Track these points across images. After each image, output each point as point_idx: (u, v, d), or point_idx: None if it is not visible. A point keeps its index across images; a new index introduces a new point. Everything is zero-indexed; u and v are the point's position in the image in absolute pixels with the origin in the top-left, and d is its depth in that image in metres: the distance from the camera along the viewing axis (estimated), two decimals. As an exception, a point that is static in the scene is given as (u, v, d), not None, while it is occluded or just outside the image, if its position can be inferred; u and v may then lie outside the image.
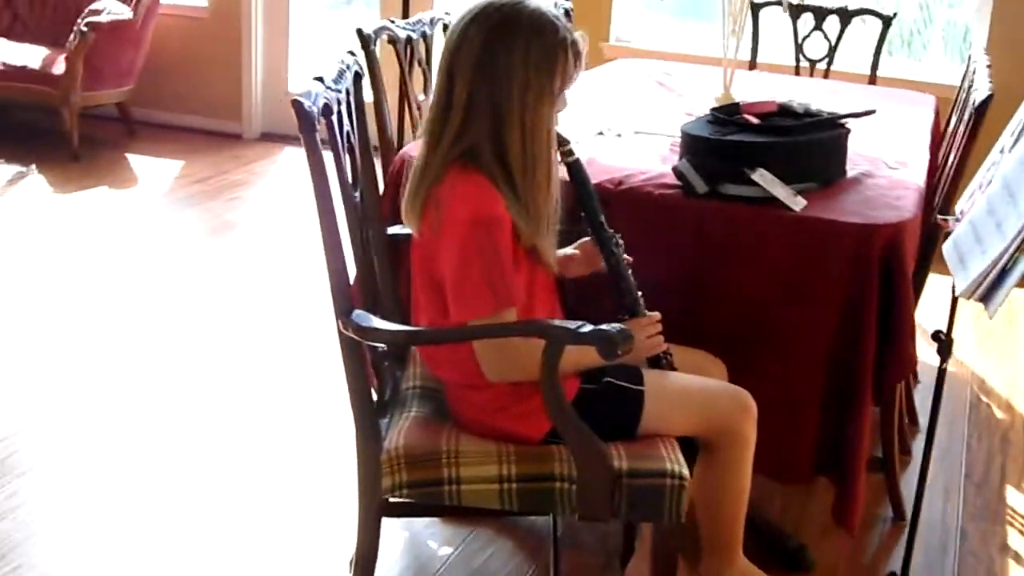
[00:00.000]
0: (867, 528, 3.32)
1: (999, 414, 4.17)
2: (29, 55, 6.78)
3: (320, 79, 2.44)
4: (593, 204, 2.57)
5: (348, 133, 2.55)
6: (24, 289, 4.74)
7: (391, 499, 2.45)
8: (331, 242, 2.34)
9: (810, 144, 3.04)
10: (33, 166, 6.46)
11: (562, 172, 2.54)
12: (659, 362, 2.60)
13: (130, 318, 4.50)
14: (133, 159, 6.73)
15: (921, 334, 4.66)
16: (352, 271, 2.49)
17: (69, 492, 3.25)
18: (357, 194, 2.59)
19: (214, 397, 3.87)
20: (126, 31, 6.74)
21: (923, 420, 3.98)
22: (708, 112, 3.16)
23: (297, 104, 2.24)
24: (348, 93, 2.60)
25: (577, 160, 2.56)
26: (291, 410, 3.79)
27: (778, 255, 2.82)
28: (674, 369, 2.62)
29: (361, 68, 2.75)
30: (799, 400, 2.84)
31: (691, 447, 2.59)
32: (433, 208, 2.35)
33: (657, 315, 2.59)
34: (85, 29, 6.50)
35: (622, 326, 2.22)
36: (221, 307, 4.65)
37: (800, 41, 5.16)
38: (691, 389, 2.58)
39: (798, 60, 5.18)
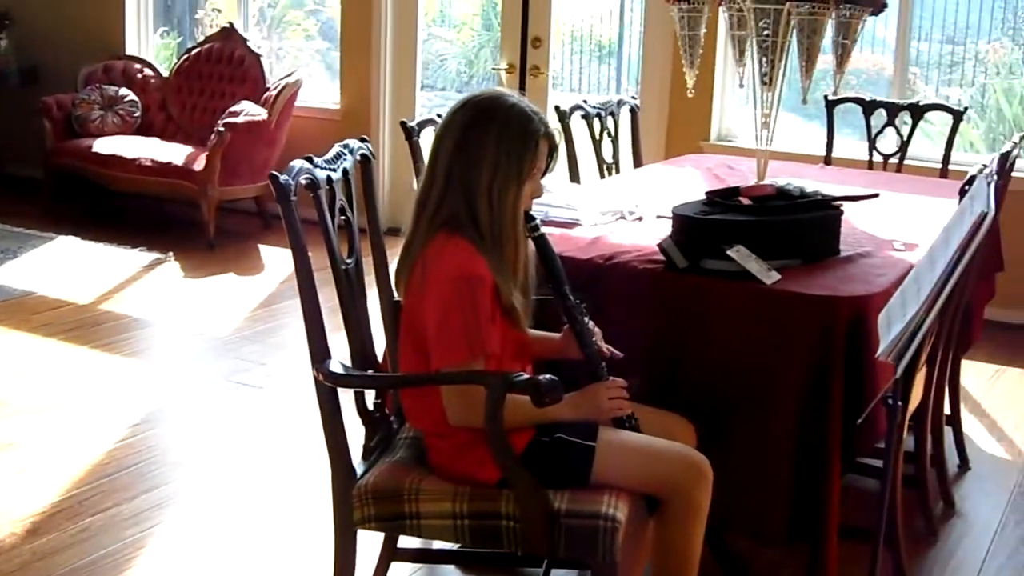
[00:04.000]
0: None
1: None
2: (175, 153, 7.42)
3: (309, 158, 2.80)
4: (558, 275, 2.83)
5: (343, 207, 2.90)
6: (153, 357, 5.27)
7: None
8: (308, 298, 2.69)
9: (793, 224, 3.26)
10: (171, 253, 7.03)
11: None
12: (623, 424, 2.83)
13: (239, 379, 4.97)
14: (263, 249, 7.28)
15: (988, 425, 4.79)
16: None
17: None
18: (351, 262, 2.93)
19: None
20: (261, 131, 7.31)
21: (967, 506, 4.09)
22: (704, 195, 3.42)
23: (273, 177, 2.61)
24: (347, 173, 2.95)
25: (542, 235, 2.83)
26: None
27: (749, 326, 3.04)
28: (638, 431, 2.83)
29: (371, 152, 3.12)
30: (771, 465, 3.01)
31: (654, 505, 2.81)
32: (420, 268, 2.69)
33: (621, 381, 2.81)
34: (222, 129, 7.10)
35: (552, 377, 2.50)
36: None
37: (873, 136, 5.34)
38: (645, 449, 2.78)
39: (871, 155, 5.36)
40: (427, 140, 3.81)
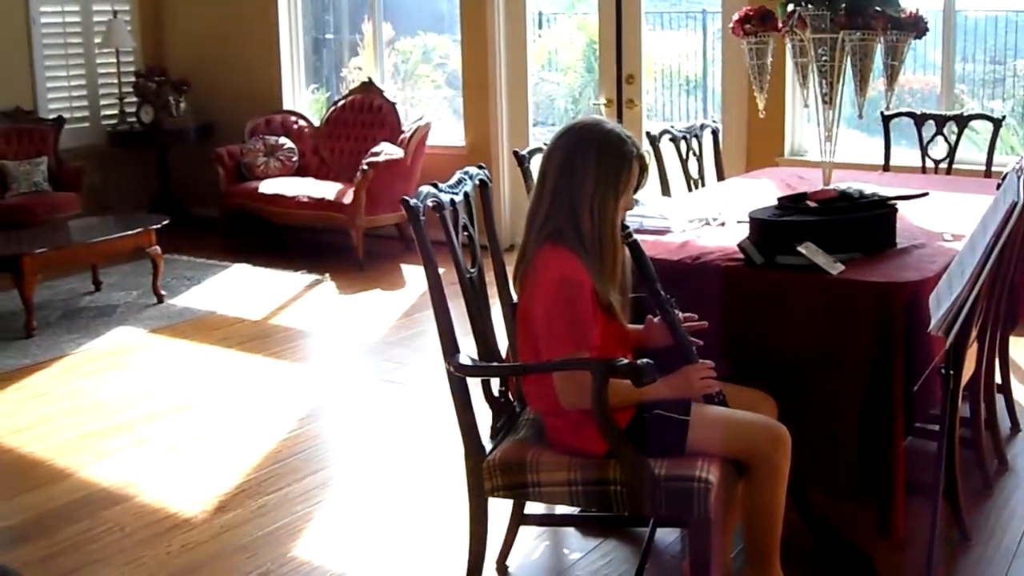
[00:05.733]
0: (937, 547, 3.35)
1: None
2: (327, 189, 7.54)
3: (435, 184, 2.84)
4: (650, 275, 2.83)
5: (465, 224, 2.94)
6: (315, 362, 5.38)
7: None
8: (438, 303, 2.73)
9: (853, 221, 3.22)
10: (327, 274, 7.14)
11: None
12: (712, 400, 2.81)
13: (387, 377, 5.04)
14: (405, 267, 7.35)
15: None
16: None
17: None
18: (475, 270, 2.95)
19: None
20: (398, 167, 7.38)
21: (1018, 463, 3.97)
22: (776, 200, 3.39)
23: (404, 201, 2.66)
24: (467, 196, 2.98)
25: (635, 241, 2.83)
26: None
27: (819, 311, 3.03)
28: (726, 405, 2.82)
29: (487, 177, 3.15)
30: (842, 430, 2.99)
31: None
32: (531, 274, 2.71)
33: (710, 363, 2.79)
34: (366, 167, 7.20)
35: (649, 361, 2.51)
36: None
37: (925, 145, 5.22)
38: (732, 421, 2.77)
39: (924, 161, 5.24)
40: (536, 166, 3.86)
